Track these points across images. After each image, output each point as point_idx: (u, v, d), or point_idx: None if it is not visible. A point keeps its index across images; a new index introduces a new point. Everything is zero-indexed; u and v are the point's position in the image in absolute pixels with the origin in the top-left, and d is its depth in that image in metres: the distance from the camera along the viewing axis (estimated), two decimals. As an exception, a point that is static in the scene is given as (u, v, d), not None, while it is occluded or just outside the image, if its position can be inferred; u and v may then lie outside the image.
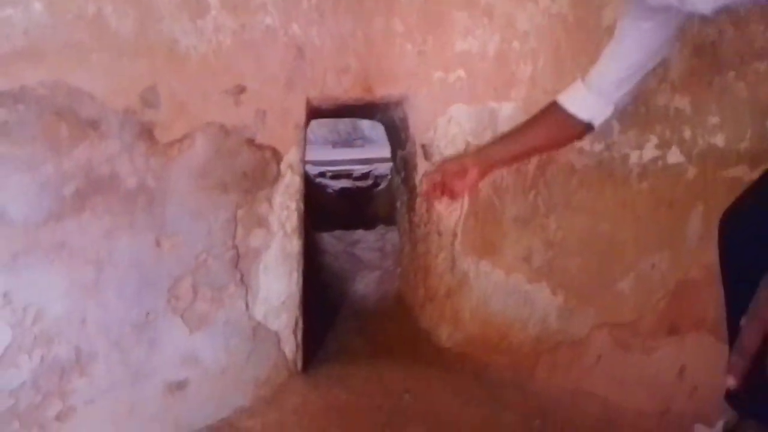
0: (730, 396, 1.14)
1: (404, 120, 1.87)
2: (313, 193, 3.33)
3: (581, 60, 1.49)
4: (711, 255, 1.13)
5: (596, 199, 1.50)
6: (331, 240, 3.06)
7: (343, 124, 6.06)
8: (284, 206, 1.54)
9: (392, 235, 2.82)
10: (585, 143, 1.50)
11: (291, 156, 1.53)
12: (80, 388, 1.22)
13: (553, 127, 1.22)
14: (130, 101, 1.23)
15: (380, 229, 3.18)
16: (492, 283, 1.74)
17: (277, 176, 1.52)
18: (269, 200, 1.51)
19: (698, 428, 1.23)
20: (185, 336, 1.38)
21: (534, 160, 1.59)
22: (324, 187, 3.33)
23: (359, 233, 3.16)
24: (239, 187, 1.44)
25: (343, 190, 3.33)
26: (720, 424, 1.19)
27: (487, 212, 1.72)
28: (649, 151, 1.40)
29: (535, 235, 1.62)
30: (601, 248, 1.46)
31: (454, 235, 1.80)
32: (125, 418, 1.29)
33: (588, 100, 1.16)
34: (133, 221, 1.26)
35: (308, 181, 3.34)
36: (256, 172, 1.47)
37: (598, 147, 1.47)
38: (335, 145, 5.65)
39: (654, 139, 1.40)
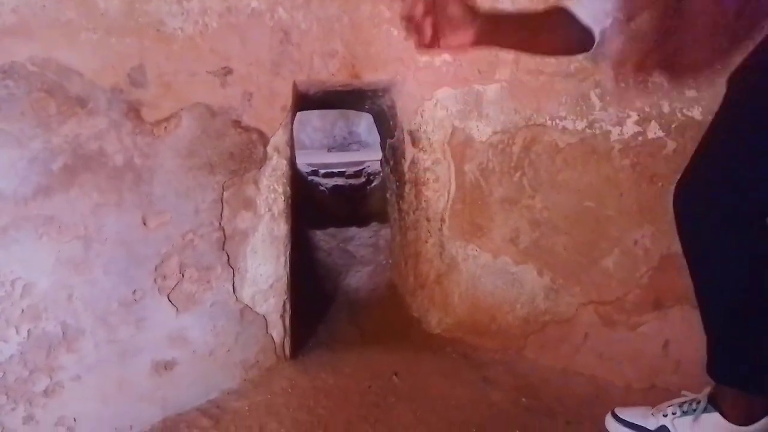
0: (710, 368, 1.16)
1: (392, 108, 1.89)
2: (306, 190, 3.35)
3: (564, 42, 1.51)
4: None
5: (580, 177, 1.51)
6: (324, 237, 3.07)
7: (339, 128, 6.09)
8: (271, 189, 1.56)
9: (385, 232, 2.83)
10: (567, 122, 1.51)
11: (277, 138, 1.55)
12: (67, 364, 1.22)
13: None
14: (118, 80, 1.25)
15: (373, 225, 3.19)
16: (480, 266, 1.76)
17: (264, 159, 1.53)
18: (256, 182, 1.53)
19: (684, 393, 1.24)
20: (173, 316, 1.39)
21: (519, 141, 1.61)
22: (317, 185, 3.34)
23: (353, 230, 3.17)
24: (226, 168, 1.45)
25: (335, 187, 3.34)
26: (706, 391, 1.20)
27: (474, 195, 1.73)
28: (630, 127, 1.42)
29: (522, 216, 1.64)
30: (586, 226, 1.48)
31: (443, 220, 1.81)
32: (113, 396, 1.30)
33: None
34: (121, 198, 1.27)
35: (301, 179, 3.37)
36: (243, 154, 1.49)
37: (581, 125, 1.49)
38: (330, 149, 5.67)
39: (634, 115, 1.42)
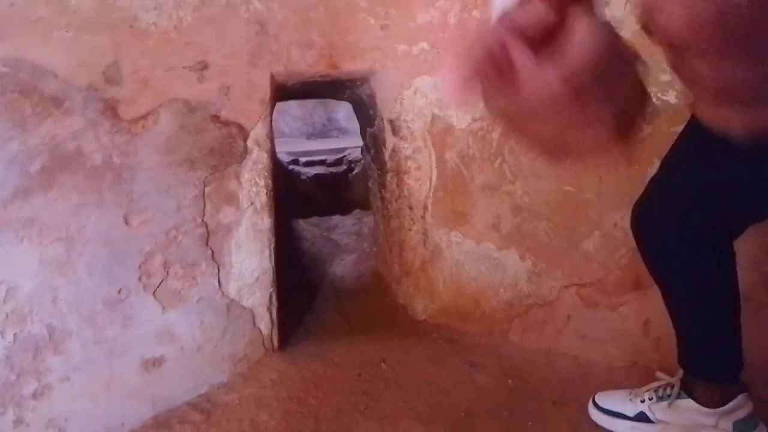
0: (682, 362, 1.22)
1: (371, 97, 1.89)
2: (287, 180, 3.34)
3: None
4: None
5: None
6: (307, 226, 3.07)
7: (318, 116, 6.05)
8: (253, 183, 1.56)
9: (369, 219, 2.84)
10: (546, 108, 1.53)
11: (257, 131, 1.54)
12: (55, 365, 1.22)
13: None
14: (93, 78, 1.23)
15: (356, 213, 3.20)
16: (464, 252, 1.77)
17: (244, 152, 1.53)
18: (237, 177, 1.52)
19: (659, 375, 1.28)
20: (159, 313, 1.39)
21: (498, 128, 1.62)
22: (298, 174, 3.33)
23: (336, 219, 3.18)
24: (207, 164, 1.45)
25: (317, 176, 3.34)
26: (679, 374, 1.24)
27: (455, 182, 1.74)
28: (607, 112, 1.44)
29: (503, 202, 1.66)
30: (567, 210, 1.50)
31: (425, 208, 1.83)
32: (103, 395, 1.30)
33: None
34: (101, 198, 1.26)
35: (282, 168, 3.36)
36: (223, 149, 1.48)
37: (559, 110, 1.51)
38: (310, 137, 5.64)
39: (611, 100, 1.43)
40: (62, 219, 1.21)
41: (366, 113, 2.01)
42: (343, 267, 2.56)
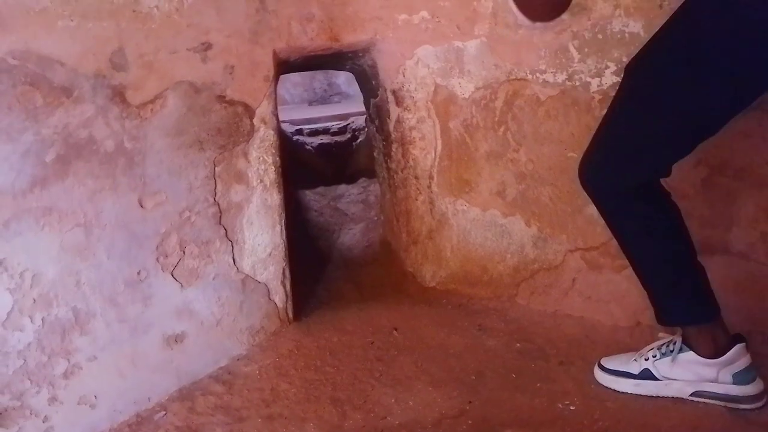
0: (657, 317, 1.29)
1: (373, 67, 1.90)
2: (292, 151, 3.35)
3: (540, -8, 1.52)
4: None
5: (562, 128, 1.55)
6: (314, 197, 3.09)
7: (318, 81, 6.00)
8: (261, 160, 1.58)
9: (375, 187, 2.86)
10: (548, 75, 1.54)
11: (263, 109, 1.56)
12: (82, 345, 1.28)
13: None
14: (100, 65, 1.25)
15: (362, 182, 3.22)
16: (470, 220, 1.81)
17: (251, 131, 1.55)
18: (245, 155, 1.55)
19: (661, 335, 1.32)
20: (178, 291, 1.44)
21: (501, 96, 1.64)
22: (302, 144, 3.34)
23: (342, 188, 3.19)
24: (215, 144, 1.47)
25: (321, 146, 3.35)
26: (680, 331, 1.29)
27: (460, 151, 1.77)
28: (608, 78, 1.45)
29: (507, 170, 1.68)
30: (570, 176, 1.52)
31: (431, 177, 1.85)
32: (129, 371, 1.36)
33: None
34: (115, 183, 1.29)
35: (286, 139, 3.36)
36: (230, 128, 1.50)
37: (561, 77, 1.52)
38: (311, 103, 5.61)
39: (612, 66, 1.44)
40: (80, 205, 1.24)
41: (369, 84, 2.02)
42: (351, 236, 2.61)
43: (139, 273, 1.36)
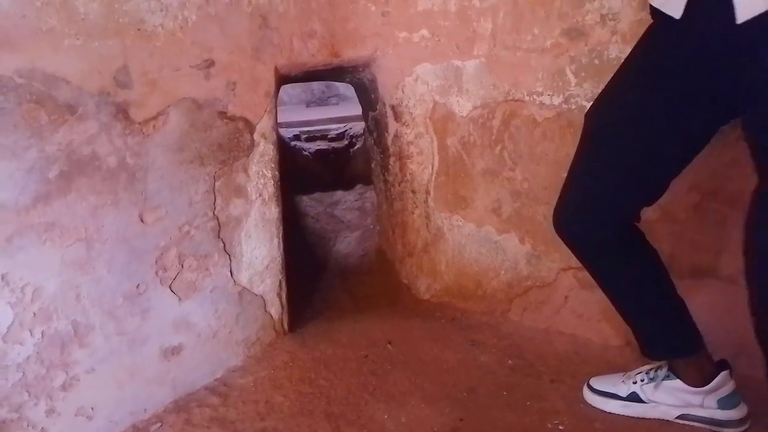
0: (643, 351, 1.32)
1: (373, 81, 1.92)
2: (289, 156, 3.37)
3: (539, 13, 1.54)
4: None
5: (557, 149, 1.57)
6: (311, 202, 3.12)
7: (317, 83, 6.01)
8: (260, 174, 1.60)
9: (371, 194, 2.90)
10: (545, 97, 1.56)
11: (263, 125, 1.58)
12: (81, 358, 1.29)
13: None
14: (104, 83, 1.26)
15: (359, 188, 3.24)
16: (465, 235, 1.84)
17: (251, 145, 1.57)
18: (245, 170, 1.57)
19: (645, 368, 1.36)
20: (176, 304, 1.45)
21: (498, 116, 1.66)
22: (300, 150, 3.36)
23: (338, 194, 3.22)
24: (215, 159, 1.49)
25: (319, 151, 3.37)
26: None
27: (457, 168, 1.79)
28: (604, 102, 1.47)
29: (503, 188, 1.71)
30: (564, 196, 1.55)
31: (427, 192, 1.88)
32: (126, 383, 1.38)
33: None
34: (117, 198, 1.31)
35: (284, 144, 3.38)
36: (231, 143, 1.52)
37: (557, 100, 1.54)
38: (309, 104, 5.62)
39: (608, 91, 1.46)
40: (81, 220, 1.26)
41: (368, 97, 2.04)
42: (347, 245, 2.63)
43: (138, 286, 1.38)
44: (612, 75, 1.20)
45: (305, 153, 3.38)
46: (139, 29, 1.31)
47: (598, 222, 1.18)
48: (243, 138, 1.55)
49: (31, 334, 1.21)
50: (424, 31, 1.72)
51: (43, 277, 1.22)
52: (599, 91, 1.48)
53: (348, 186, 3.27)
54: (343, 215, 3.00)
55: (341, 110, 4.62)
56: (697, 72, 1.02)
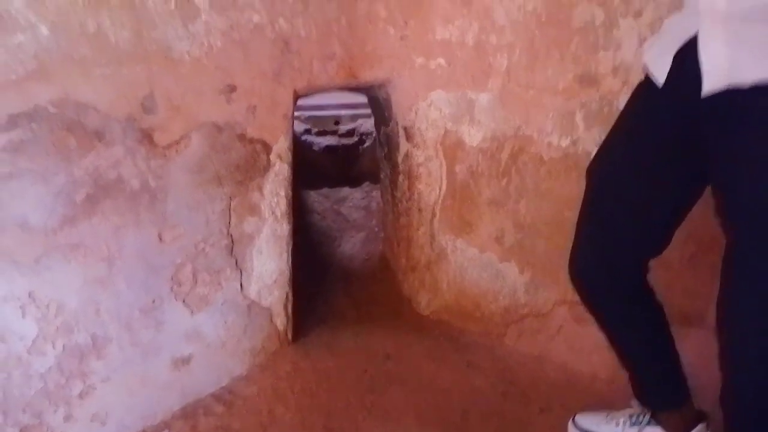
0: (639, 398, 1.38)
1: (387, 100, 1.96)
2: (300, 150, 3.41)
3: (553, 54, 1.58)
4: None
5: (562, 187, 1.63)
6: (318, 198, 3.18)
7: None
8: (274, 193, 1.66)
9: (377, 193, 2.94)
10: (553, 137, 1.61)
11: (279, 146, 1.63)
12: (98, 368, 1.37)
13: None
14: (131, 109, 1.31)
15: (366, 186, 3.29)
16: (467, 258, 1.90)
17: (267, 166, 1.62)
18: (260, 189, 1.62)
19: (633, 404, 1.42)
20: (188, 316, 1.53)
21: (507, 149, 1.71)
22: (310, 144, 3.41)
23: (345, 191, 3.27)
24: (232, 180, 1.54)
25: (328, 147, 3.42)
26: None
27: (463, 194, 1.84)
28: (610, 150, 1.52)
29: (507, 218, 1.76)
30: (565, 233, 1.58)
31: (433, 213, 1.94)
32: (138, 391, 1.46)
33: None
34: (138, 218, 1.37)
35: (295, 138, 3.42)
36: (248, 164, 1.58)
37: (565, 142, 1.59)
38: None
39: (615, 138, 1.51)
40: (104, 240, 1.32)
41: (382, 112, 2.08)
42: (352, 246, 2.70)
43: (153, 301, 1.45)
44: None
45: (315, 148, 3.43)
46: (166, 56, 1.35)
47: (609, 273, 1.23)
48: (260, 159, 1.60)
49: (53, 347, 1.29)
50: (441, 60, 1.76)
51: (66, 293, 1.29)
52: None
53: (355, 183, 3.32)
54: (350, 213, 3.05)
55: (352, 97, 4.59)
56: (677, 136, 1.08)
